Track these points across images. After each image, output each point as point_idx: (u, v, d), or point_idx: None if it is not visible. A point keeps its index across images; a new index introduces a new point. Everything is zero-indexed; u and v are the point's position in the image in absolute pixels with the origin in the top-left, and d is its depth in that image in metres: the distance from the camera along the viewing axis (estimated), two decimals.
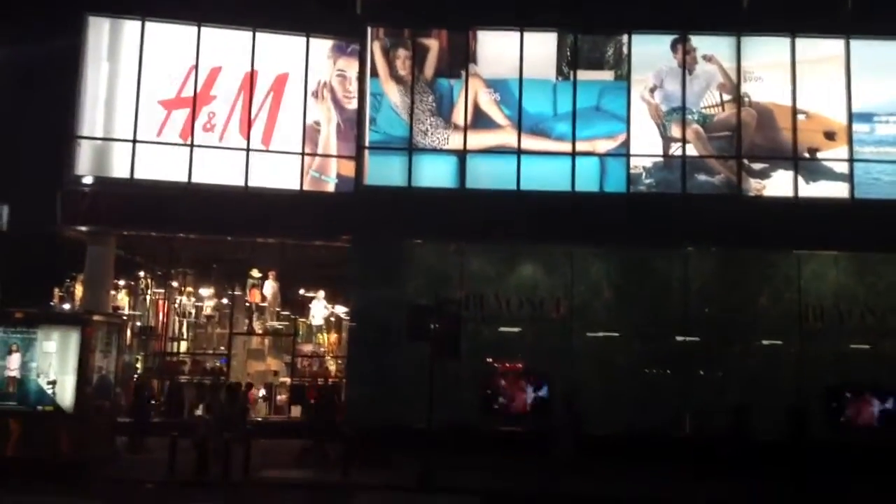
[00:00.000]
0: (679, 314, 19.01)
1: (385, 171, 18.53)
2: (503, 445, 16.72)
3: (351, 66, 19.33)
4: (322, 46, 19.39)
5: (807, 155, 18.28)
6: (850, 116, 18.23)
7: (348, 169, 19.00)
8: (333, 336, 21.86)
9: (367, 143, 18.56)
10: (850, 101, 18.22)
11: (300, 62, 19.15)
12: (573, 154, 18.27)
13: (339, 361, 20.69)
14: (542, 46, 18.62)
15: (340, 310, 21.46)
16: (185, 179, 18.47)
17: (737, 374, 18.67)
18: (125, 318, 19.58)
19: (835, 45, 18.42)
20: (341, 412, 17.70)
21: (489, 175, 18.36)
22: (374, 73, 18.78)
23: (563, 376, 18.56)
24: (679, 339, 19.01)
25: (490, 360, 19.02)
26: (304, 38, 19.16)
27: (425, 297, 16.14)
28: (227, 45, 19.07)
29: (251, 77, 18.99)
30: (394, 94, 18.70)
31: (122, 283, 21.40)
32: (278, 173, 18.89)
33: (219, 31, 19.03)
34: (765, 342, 18.95)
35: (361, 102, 18.76)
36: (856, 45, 18.33)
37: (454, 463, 15.29)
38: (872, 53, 18.35)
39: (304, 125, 19.10)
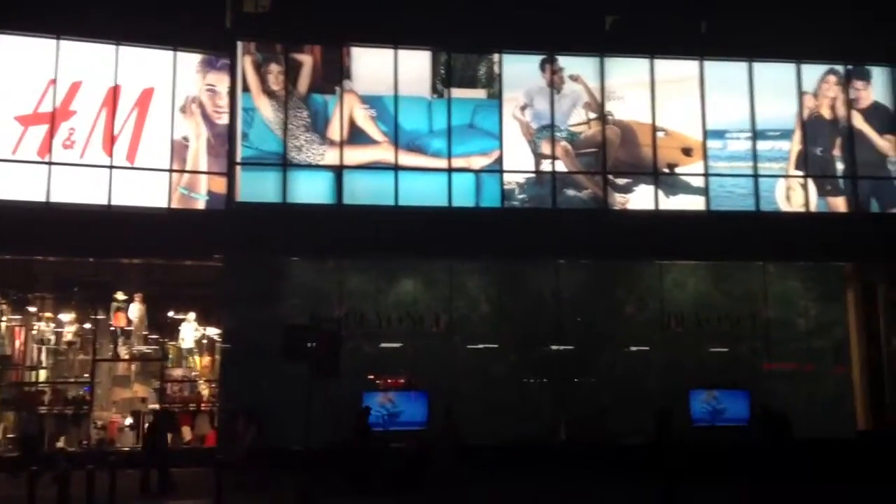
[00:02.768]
0: (552, 324, 19.64)
1: (258, 188, 18.14)
2: (385, 462, 16.59)
3: (221, 81, 18.84)
4: (190, 60, 18.78)
5: (666, 170, 19.32)
6: (705, 133, 19.43)
7: (219, 186, 18.46)
8: (206, 359, 21.04)
9: (239, 159, 18.11)
10: (705, 118, 19.42)
11: (167, 77, 18.46)
12: (449, 170, 18.54)
13: (213, 385, 19.98)
14: (416, 64, 18.83)
15: (213, 331, 20.72)
16: (44, 199, 17.39)
17: (608, 381, 19.46)
18: None
19: (690, 66, 19.61)
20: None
21: (366, 191, 18.34)
22: (246, 88, 18.39)
23: (445, 389, 18.74)
24: (553, 348, 19.61)
25: (371, 377, 18.94)
26: (172, 52, 18.50)
27: (303, 316, 15.86)
28: (88, 59, 18.12)
29: (114, 92, 18.14)
30: (266, 110, 18.36)
31: None
32: (144, 191, 18.09)
33: (79, 45, 18.07)
34: (633, 348, 19.84)
35: (233, 118, 18.31)
36: (709, 65, 19.59)
37: (334, 484, 15.11)
38: (723, 74, 19.66)
39: (172, 141, 18.42)
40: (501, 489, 15.05)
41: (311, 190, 18.25)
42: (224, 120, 18.65)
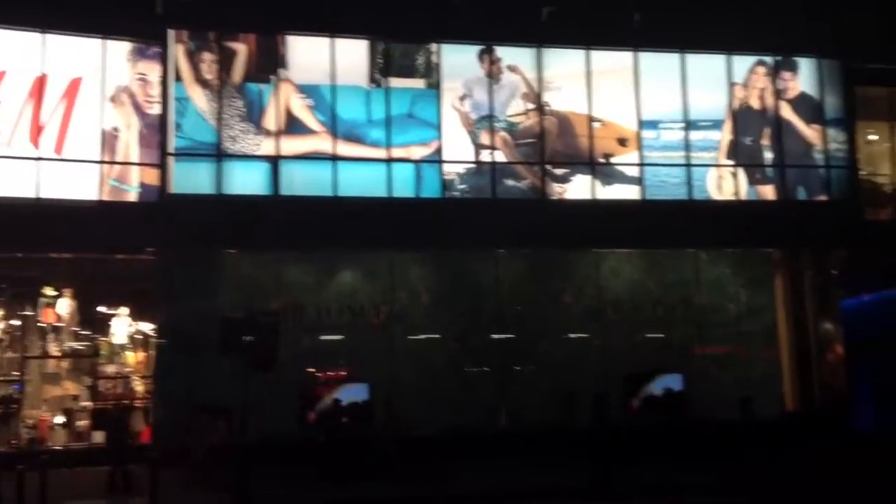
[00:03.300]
0: (493, 313, 19.80)
1: (192, 179, 17.74)
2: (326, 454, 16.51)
3: (152, 70, 18.33)
4: (120, 49, 18.19)
5: (602, 160, 19.61)
6: (640, 124, 19.76)
7: (152, 177, 18.00)
8: (140, 355, 20.56)
9: (172, 150, 17.67)
10: (640, 109, 19.76)
11: (96, 65, 17.87)
12: (388, 160, 18.44)
13: (148, 381, 19.56)
14: (353, 53, 18.64)
15: (147, 326, 20.27)
16: None
17: (548, 368, 19.73)
18: None
19: (625, 57, 19.89)
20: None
21: (304, 181, 18.10)
22: (178, 77, 17.93)
23: (386, 381, 18.73)
24: (494, 337, 19.78)
25: (311, 369, 18.80)
26: (101, 41, 17.90)
27: (240, 309, 15.61)
28: (13, 48, 17.41)
29: (41, 81, 17.48)
30: (200, 99, 17.96)
31: None
32: (74, 183, 17.53)
33: (3, 33, 17.32)
34: (571, 335, 20.15)
35: (165, 107, 17.84)
36: (643, 57, 19.91)
37: (274, 478, 15.00)
38: (657, 65, 20.00)
39: (102, 132, 17.86)
40: (445, 478, 15.13)
41: (246, 181, 17.92)
42: (156, 110, 18.16)
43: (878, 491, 13.75)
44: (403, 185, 18.48)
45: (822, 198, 20.22)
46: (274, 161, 17.95)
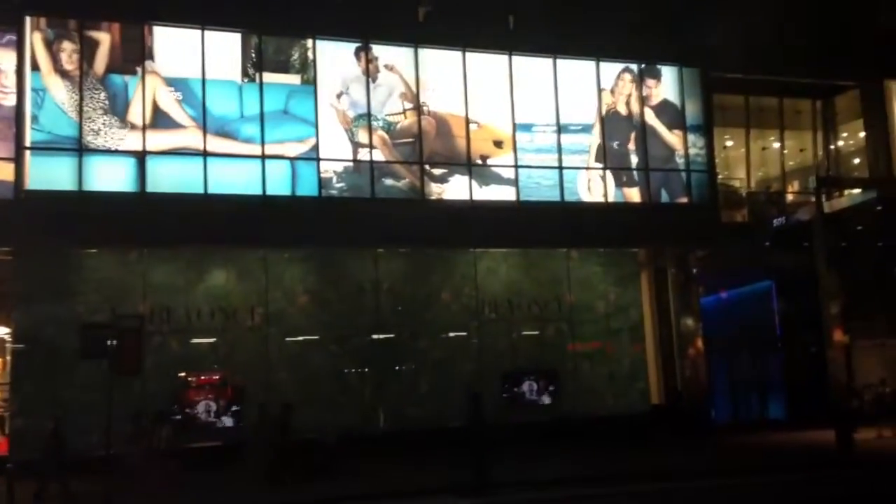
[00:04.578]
0: (372, 313, 19.75)
1: (51, 175, 16.66)
2: (199, 462, 15.96)
3: (7, 59, 17.22)
4: None
5: (479, 161, 19.91)
6: (515, 127, 20.19)
7: (6, 173, 16.86)
8: None
9: (28, 144, 16.56)
10: (514, 112, 20.18)
11: None
12: (263, 157, 17.95)
13: (5, 389, 18.29)
14: (225, 46, 18.07)
15: (2, 331, 18.95)
16: None
17: (427, 366, 19.86)
18: None
19: (500, 61, 20.26)
20: None
21: (173, 178, 17.36)
22: (36, 67, 16.82)
23: (262, 384, 18.33)
24: (374, 337, 19.71)
25: (183, 374, 18.13)
26: None
27: (103, 312, 14.89)
28: None
29: None
30: (59, 91, 16.94)
31: None
32: None
33: None
34: (451, 334, 20.37)
35: (21, 99, 16.69)
36: (517, 61, 20.35)
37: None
38: (530, 69, 20.50)
39: None
40: (323, 480, 14.93)
41: (110, 177, 16.99)
42: (11, 101, 17.08)
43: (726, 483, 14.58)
44: (279, 183, 18.06)
45: (683, 200, 21.32)
46: (140, 156, 17.14)
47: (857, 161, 25.63)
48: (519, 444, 18.37)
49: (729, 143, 24.94)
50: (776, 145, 25.30)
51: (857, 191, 21.68)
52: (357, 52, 19.10)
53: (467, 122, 19.76)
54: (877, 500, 12.63)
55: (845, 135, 25.85)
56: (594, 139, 20.80)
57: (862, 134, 25.11)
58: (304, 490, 14.46)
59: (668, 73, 21.69)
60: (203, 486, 14.70)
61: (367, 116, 18.91)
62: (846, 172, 25.17)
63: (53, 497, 13.71)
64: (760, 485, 14.08)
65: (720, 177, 23.18)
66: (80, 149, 16.79)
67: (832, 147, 25.66)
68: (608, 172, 20.74)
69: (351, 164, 18.80)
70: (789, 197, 24.70)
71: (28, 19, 16.89)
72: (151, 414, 15.56)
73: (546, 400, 20.33)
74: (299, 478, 15.24)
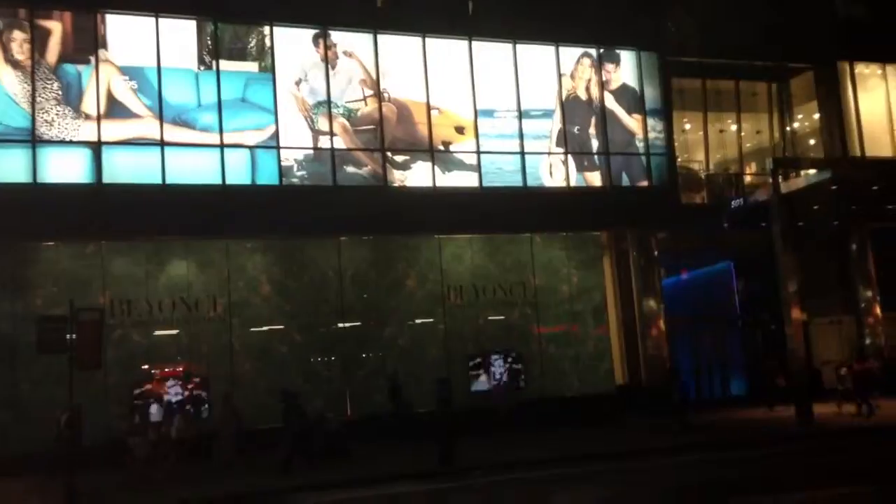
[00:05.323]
0: (336, 302, 19.68)
1: (4, 167, 16.28)
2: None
3: None
4: None
5: (441, 148, 19.90)
6: (476, 113, 20.20)
7: None
8: None
9: None
10: (475, 98, 20.19)
11: None
12: (221, 146, 17.74)
13: None
14: (180, 34, 17.80)
15: None
16: None
17: (393, 353, 19.86)
18: None
19: (460, 47, 20.25)
20: None
21: (130, 168, 17.07)
22: None
23: (225, 375, 18.20)
24: (340, 325, 19.65)
25: (145, 366, 17.92)
26: None
27: (61, 305, 14.63)
28: None
29: None
30: (10, 81, 16.56)
31: None
32: None
33: None
34: (417, 321, 20.38)
35: None
36: (477, 46, 20.34)
37: (105, 481, 14.20)
38: (491, 55, 20.52)
39: None
40: (287, 470, 14.88)
41: (65, 168, 16.67)
42: None
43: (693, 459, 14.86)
44: (238, 171, 17.86)
45: (644, 183, 21.54)
46: (96, 147, 16.83)
47: (812, 142, 26.09)
48: (486, 427, 18.51)
49: (687, 127, 25.20)
50: (733, 128, 25.64)
51: (812, 171, 22.03)
52: (315, 39, 18.93)
53: (428, 108, 19.72)
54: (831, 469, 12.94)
55: (801, 116, 26.29)
56: (555, 124, 20.90)
57: (817, 115, 25.56)
58: (311, 475, 14.61)
59: (627, 57, 21.85)
60: (215, 474, 14.86)
61: (328, 103, 18.77)
62: (802, 153, 25.59)
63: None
64: (722, 461, 14.35)
65: (679, 160, 23.43)
66: (33, 140, 16.44)
67: (788, 129, 26.07)
68: (569, 157, 20.87)
69: (311, 151, 18.66)
70: (747, 178, 25.06)
71: None
72: (163, 405, 15.97)
73: (510, 383, 20.44)
74: (305, 463, 15.34)
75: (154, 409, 16.51)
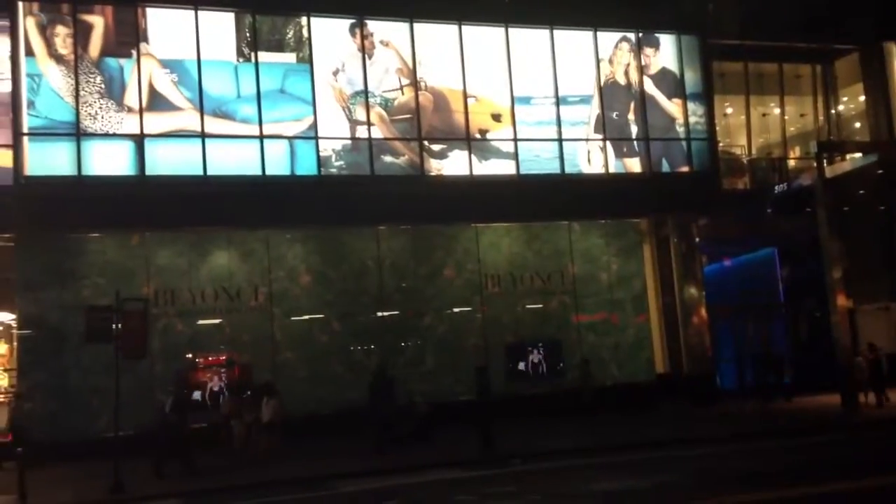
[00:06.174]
0: (375, 290, 19.79)
1: (50, 160, 16.68)
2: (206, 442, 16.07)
3: (1, 45, 17.12)
4: None
5: (478, 136, 19.83)
6: (513, 100, 20.07)
7: (5, 159, 16.83)
8: (3, 347, 19.37)
9: (25, 130, 16.54)
10: (512, 85, 20.06)
11: None
12: (261, 137, 17.91)
13: (13, 375, 18.42)
14: (219, 26, 17.98)
15: (7, 317, 19.04)
16: None
17: (432, 342, 19.92)
18: None
19: (497, 33, 20.11)
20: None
21: (172, 160, 17.35)
22: (30, 52, 16.77)
23: (268, 364, 18.41)
24: (378, 314, 19.76)
25: (190, 355, 18.24)
26: None
27: (107, 296, 14.92)
28: None
29: None
30: (55, 76, 16.89)
31: None
32: None
33: None
34: (455, 310, 20.40)
35: (16, 84, 16.65)
36: (514, 33, 20.19)
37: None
38: (528, 41, 20.36)
39: None
40: (332, 457, 15.02)
41: (109, 161, 17.00)
42: (6, 87, 16.99)
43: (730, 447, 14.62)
44: (277, 162, 18.03)
45: (684, 169, 21.23)
46: (138, 140, 17.11)
47: (857, 125, 25.48)
48: (526, 415, 18.46)
49: (729, 111, 24.77)
50: (776, 111, 25.13)
51: (858, 155, 21.51)
52: (352, 29, 18.97)
53: (465, 96, 19.65)
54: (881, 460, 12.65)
55: (846, 99, 25.68)
56: (593, 110, 20.69)
57: (862, 97, 24.94)
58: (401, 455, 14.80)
59: (667, 41, 21.52)
60: (307, 454, 15.20)
61: (364, 93, 18.81)
62: (847, 136, 25.02)
63: (176, 471, 13.89)
64: (765, 450, 14.11)
65: (721, 144, 23.05)
66: (77, 133, 16.76)
67: (833, 111, 25.49)
68: (608, 143, 20.65)
69: (349, 141, 18.73)
70: (791, 163, 24.58)
71: (21, 4, 16.82)
72: (259, 386, 16.17)
73: (549, 371, 20.39)
74: (394, 445, 15.50)
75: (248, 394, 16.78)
